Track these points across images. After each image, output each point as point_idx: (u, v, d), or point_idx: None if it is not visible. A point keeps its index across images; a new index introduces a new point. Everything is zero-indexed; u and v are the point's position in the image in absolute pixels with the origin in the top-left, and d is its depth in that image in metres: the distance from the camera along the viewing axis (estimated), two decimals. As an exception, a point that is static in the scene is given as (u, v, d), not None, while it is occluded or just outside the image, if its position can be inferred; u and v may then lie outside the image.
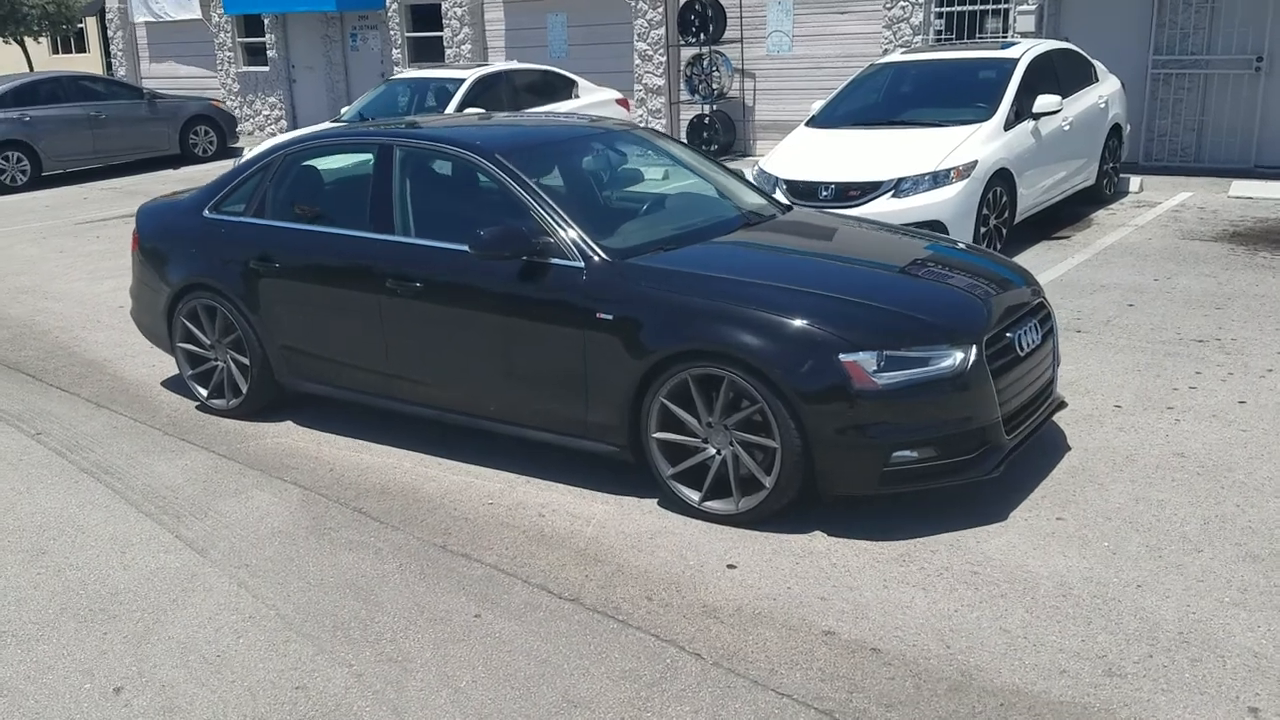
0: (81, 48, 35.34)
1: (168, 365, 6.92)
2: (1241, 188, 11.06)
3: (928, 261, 5.01)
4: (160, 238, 6.23)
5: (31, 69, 27.66)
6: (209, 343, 6.03)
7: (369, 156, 5.52)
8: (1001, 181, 8.83)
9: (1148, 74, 12.55)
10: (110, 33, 24.07)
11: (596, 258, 4.75)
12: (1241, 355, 6.30)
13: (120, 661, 3.66)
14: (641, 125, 6.18)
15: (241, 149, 19.00)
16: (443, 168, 5.41)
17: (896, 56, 10.58)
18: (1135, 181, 11.54)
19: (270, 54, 21.15)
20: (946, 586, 3.98)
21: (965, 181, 8.41)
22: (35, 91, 16.35)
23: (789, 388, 4.23)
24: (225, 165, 17.68)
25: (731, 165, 13.30)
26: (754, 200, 5.80)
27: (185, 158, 17.92)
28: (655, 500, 4.76)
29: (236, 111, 21.21)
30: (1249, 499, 4.54)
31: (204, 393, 6.12)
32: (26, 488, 5.16)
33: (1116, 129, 10.97)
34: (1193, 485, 4.70)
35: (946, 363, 4.29)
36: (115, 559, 4.40)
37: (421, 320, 5.16)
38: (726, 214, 5.52)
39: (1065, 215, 10.36)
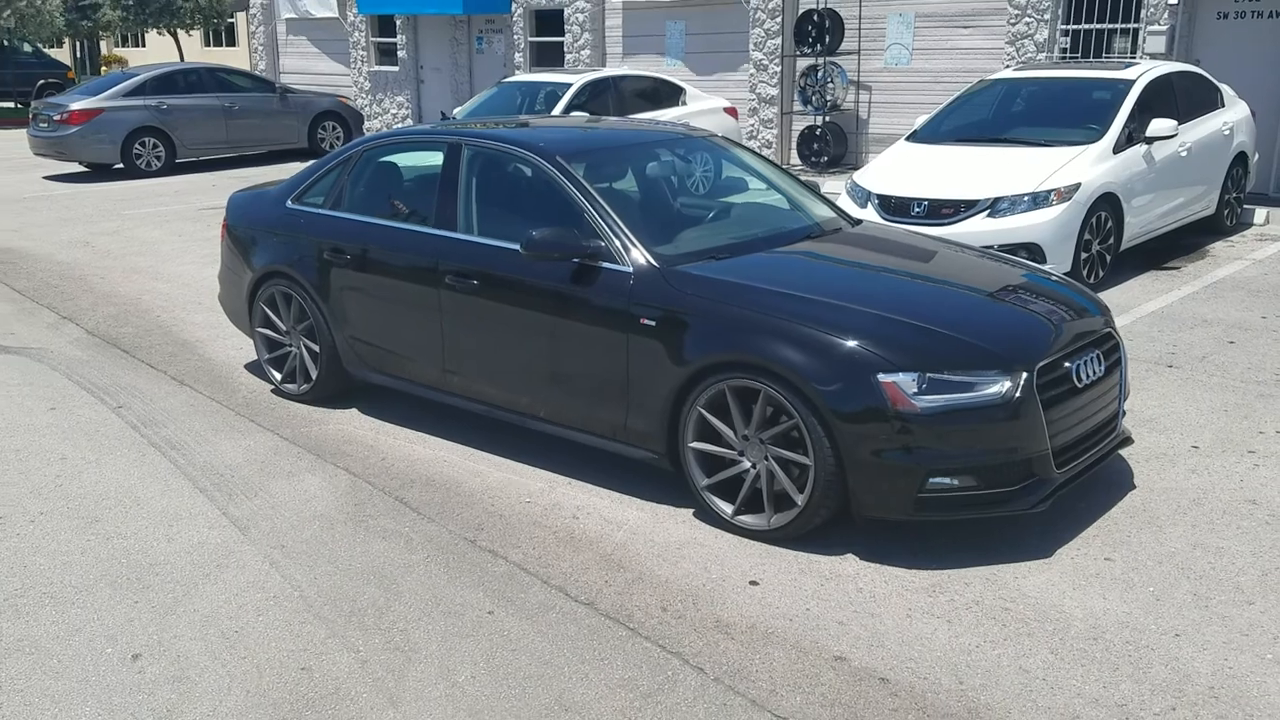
0: (231, 42, 36.85)
1: (252, 349, 7.15)
2: (1377, 224, 10.42)
3: (989, 284, 4.84)
4: (246, 226, 6.45)
5: (183, 60, 28.96)
6: (285, 329, 6.21)
7: (436, 155, 5.62)
8: (1107, 206, 8.51)
9: (1284, 100, 11.93)
10: (252, 28, 25.05)
11: (645, 263, 4.74)
12: (1342, 400, 5.93)
13: (144, 630, 3.79)
14: (717, 135, 6.12)
15: (366, 144, 19.58)
16: (506, 168, 5.46)
17: (1008, 73, 10.29)
18: (1261, 214, 10.98)
19: (400, 54, 21.72)
20: (973, 620, 3.84)
21: (1066, 204, 8.12)
22: (173, 81, 17.09)
23: (823, 404, 4.14)
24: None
25: (839, 178, 13.12)
26: (822, 213, 5.70)
27: (313, 151, 18.49)
28: (691, 511, 4.72)
29: (365, 109, 21.85)
30: (1318, 553, 4.27)
31: (278, 376, 6.31)
32: (96, 458, 5.40)
33: (1242, 157, 10.45)
34: (1258, 535, 4.43)
35: (993, 389, 4.14)
36: (161, 531, 4.57)
37: (476, 317, 5.22)
38: (790, 225, 5.44)
39: (1180, 245, 9.93)
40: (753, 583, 4.13)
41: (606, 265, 4.81)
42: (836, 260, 5.09)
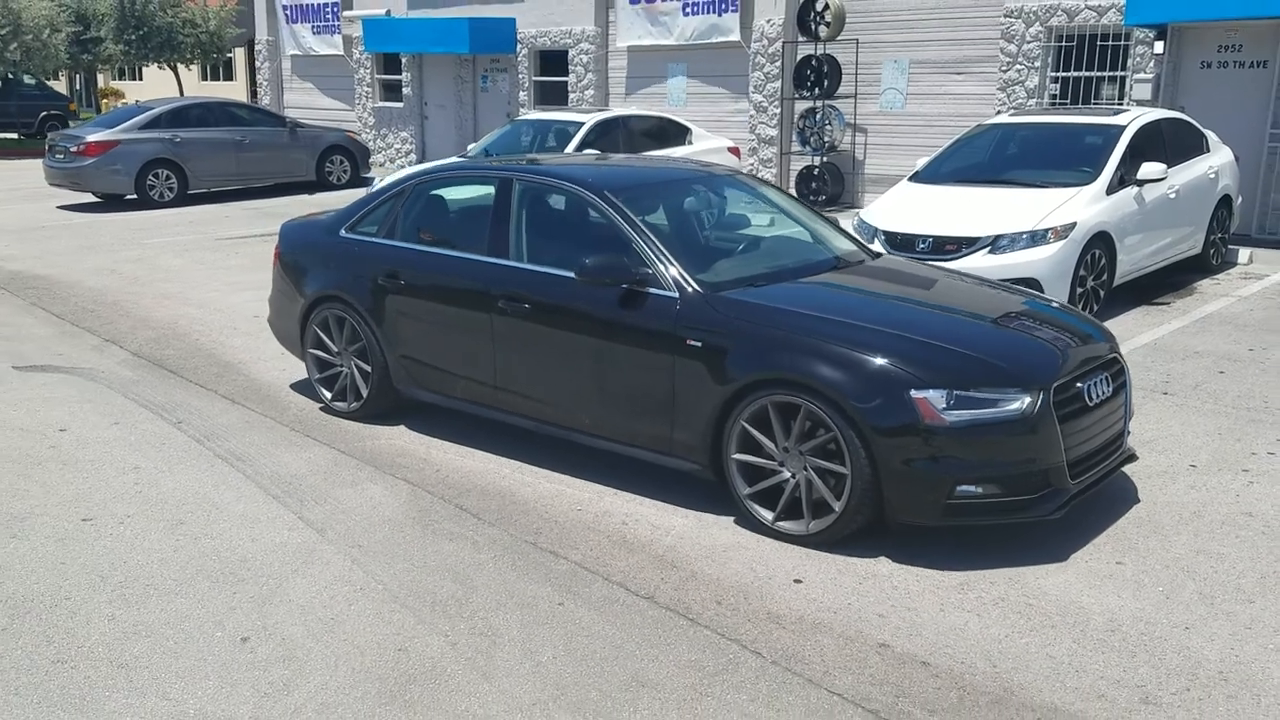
0: (229, 76, 37.39)
1: (296, 370, 7.52)
2: (1354, 265, 10.96)
3: (1006, 312, 5.27)
4: (299, 252, 6.83)
5: (182, 93, 29.43)
6: (336, 350, 6.58)
7: (490, 188, 6.03)
8: (1101, 244, 8.98)
9: (1265, 146, 12.51)
10: (258, 64, 25.53)
11: (690, 289, 5.14)
12: (1326, 425, 6.38)
13: (247, 617, 4.14)
14: (744, 172, 6.56)
15: (372, 178, 20.02)
16: (556, 201, 5.88)
17: (1004, 118, 10.81)
18: (1245, 253, 11.51)
19: (405, 91, 22.22)
20: (1000, 614, 4.23)
21: (1063, 242, 8.59)
22: (187, 115, 17.53)
23: (861, 418, 4.54)
24: (358, 193, 18.66)
25: (836, 216, 13.62)
26: (845, 246, 6.14)
27: (320, 184, 18.92)
28: (732, 518, 5.10)
29: (371, 144, 22.30)
30: (1309, 558, 4.68)
31: (328, 395, 6.67)
32: (169, 468, 5.74)
33: (1226, 199, 10.98)
34: (1255, 543, 4.84)
35: (1014, 405, 4.55)
36: (244, 532, 4.92)
37: (528, 339, 5.61)
38: (816, 256, 5.87)
39: (1169, 282, 10.41)
40: (796, 581, 4.51)
41: (653, 291, 5.21)
42: (864, 289, 5.51)
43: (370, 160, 20.50)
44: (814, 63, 15.50)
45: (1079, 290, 8.76)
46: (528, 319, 5.60)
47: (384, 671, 3.77)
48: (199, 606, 4.22)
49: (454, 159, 13.04)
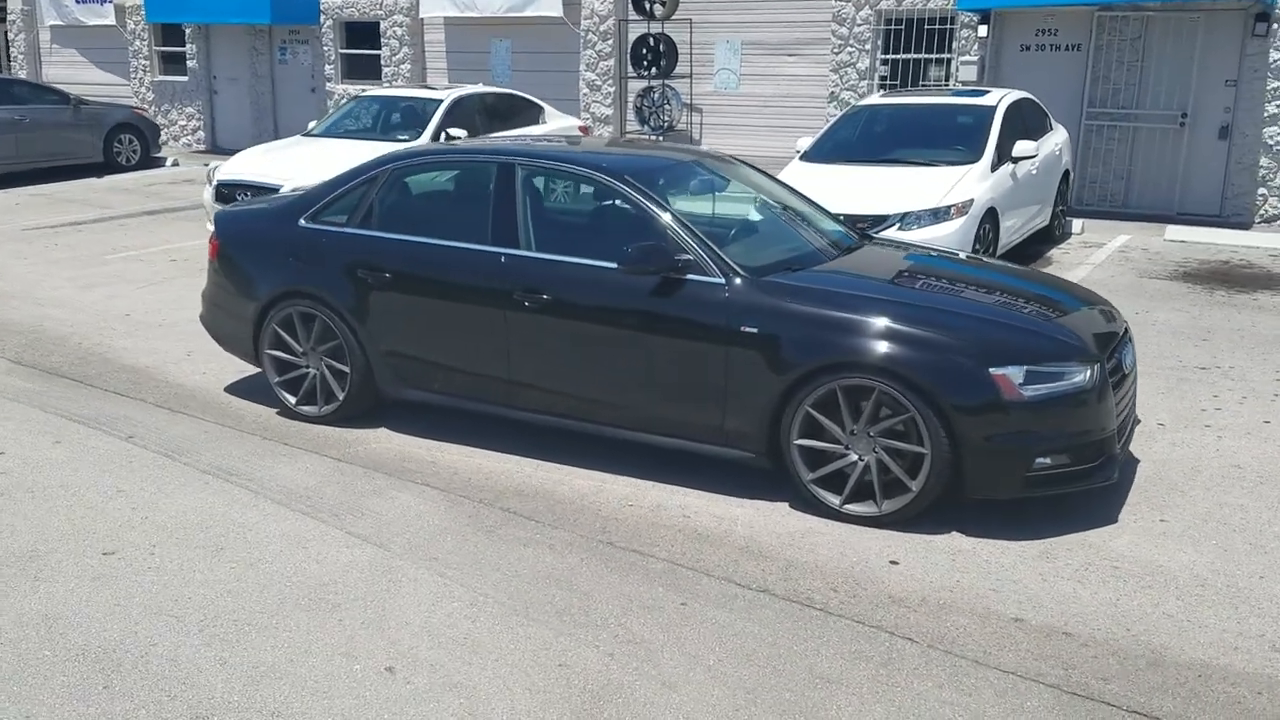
0: (-47, 47, 33.59)
1: (223, 372, 6.90)
2: (1176, 232, 12.06)
3: (1038, 289, 5.48)
4: (247, 245, 6.24)
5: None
6: (302, 350, 6.06)
7: (484, 174, 5.69)
8: (990, 219, 9.48)
9: (1081, 124, 13.53)
10: (11, 35, 23.07)
11: (737, 275, 5.05)
12: (1245, 381, 6.99)
13: (373, 644, 3.77)
14: (722, 155, 6.50)
15: (164, 158, 18.56)
16: (569, 187, 5.64)
17: (876, 99, 11.20)
18: (1078, 224, 12.43)
19: (190, 64, 20.67)
20: (1099, 579, 4.40)
21: (964, 218, 9.00)
22: (-43, 92, 15.68)
23: (942, 398, 4.61)
24: (153, 175, 17.25)
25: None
26: (836, 228, 6.18)
27: (109, 165, 17.38)
28: (787, 503, 5.06)
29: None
30: (1318, 504, 5.13)
31: (292, 399, 6.14)
32: (157, 488, 5.13)
33: (1067, 174, 11.85)
34: (1262, 493, 5.26)
35: (1079, 378, 4.74)
36: (300, 554, 4.47)
37: (550, 331, 5.35)
38: (828, 239, 5.88)
39: (1025, 254, 11.09)
40: (893, 562, 4.53)
41: (695, 278, 5.07)
42: (896, 270, 5.56)
43: (160, 140, 18.97)
44: (651, 41, 15.53)
45: (973, 263, 9.22)
46: (549, 311, 5.33)
47: (563, 691, 3.52)
48: (310, 639, 3.80)
49: (297, 138, 12.25)
